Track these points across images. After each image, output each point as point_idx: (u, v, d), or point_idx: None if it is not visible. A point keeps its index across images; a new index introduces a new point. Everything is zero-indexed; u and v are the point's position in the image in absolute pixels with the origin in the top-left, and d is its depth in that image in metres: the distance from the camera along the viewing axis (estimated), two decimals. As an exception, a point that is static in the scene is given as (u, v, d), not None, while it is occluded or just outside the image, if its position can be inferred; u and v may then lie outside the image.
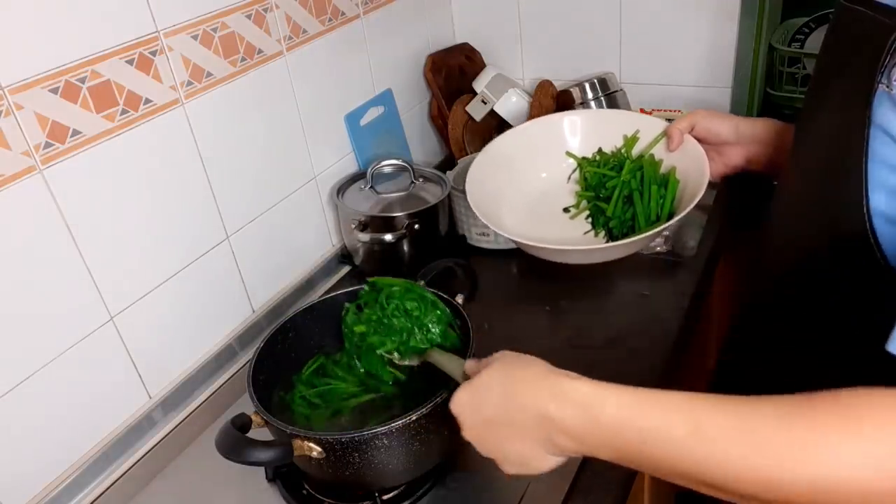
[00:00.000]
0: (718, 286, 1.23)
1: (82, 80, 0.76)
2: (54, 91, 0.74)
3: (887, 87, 0.52)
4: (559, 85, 1.36)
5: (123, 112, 0.81)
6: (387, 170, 1.15)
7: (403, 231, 1.07)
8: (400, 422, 0.67)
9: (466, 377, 0.65)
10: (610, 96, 1.29)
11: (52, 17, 0.73)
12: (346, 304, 0.86)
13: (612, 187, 1.01)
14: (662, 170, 1.01)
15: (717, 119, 0.94)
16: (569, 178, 1.09)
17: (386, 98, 1.28)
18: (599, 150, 1.09)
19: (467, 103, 1.37)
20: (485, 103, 1.35)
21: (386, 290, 0.83)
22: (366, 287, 0.85)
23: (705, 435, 0.48)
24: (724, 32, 1.24)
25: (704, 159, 0.94)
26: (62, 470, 0.82)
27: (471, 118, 1.37)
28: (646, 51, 1.33)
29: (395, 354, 0.81)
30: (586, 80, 1.30)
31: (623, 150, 1.07)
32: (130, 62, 0.81)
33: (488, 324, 0.95)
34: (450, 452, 0.78)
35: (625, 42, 1.34)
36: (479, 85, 1.37)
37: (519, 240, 0.93)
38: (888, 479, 0.42)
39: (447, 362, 0.72)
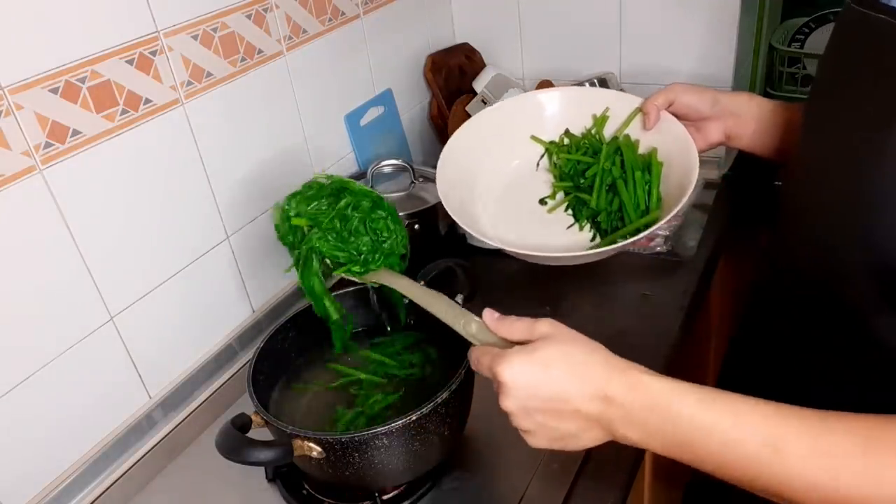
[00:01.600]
0: (718, 286, 1.23)
1: (82, 80, 0.76)
2: (54, 91, 0.74)
3: None
4: (559, 85, 1.36)
5: (123, 112, 0.81)
6: (387, 170, 1.15)
7: (403, 231, 1.07)
8: (400, 422, 0.67)
9: (474, 335, 0.64)
10: (610, 96, 1.29)
11: (52, 17, 0.73)
12: (282, 202, 0.76)
13: (592, 176, 0.93)
14: (641, 150, 0.93)
15: (697, 93, 0.89)
16: (537, 165, 1.00)
17: (386, 98, 1.28)
18: (567, 132, 0.99)
19: (467, 103, 1.37)
20: (485, 103, 1.35)
21: (350, 197, 0.74)
22: (319, 180, 0.75)
23: (781, 453, 0.49)
24: (724, 32, 1.24)
25: (689, 139, 0.87)
26: (62, 470, 0.82)
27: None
28: (646, 51, 1.33)
29: (342, 269, 0.75)
30: (586, 80, 1.30)
31: (594, 131, 0.97)
32: (130, 62, 0.81)
33: (488, 324, 0.95)
34: (450, 452, 0.78)
35: (625, 42, 1.34)
36: (479, 85, 1.37)
37: (507, 248, 0.86)
38: None
39: (433, 301, 0.69)
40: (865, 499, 0.47)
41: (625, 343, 0.93)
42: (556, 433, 0.58)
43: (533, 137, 1.00)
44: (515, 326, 0.61)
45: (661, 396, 0.53)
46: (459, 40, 1.47)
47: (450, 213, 0.87)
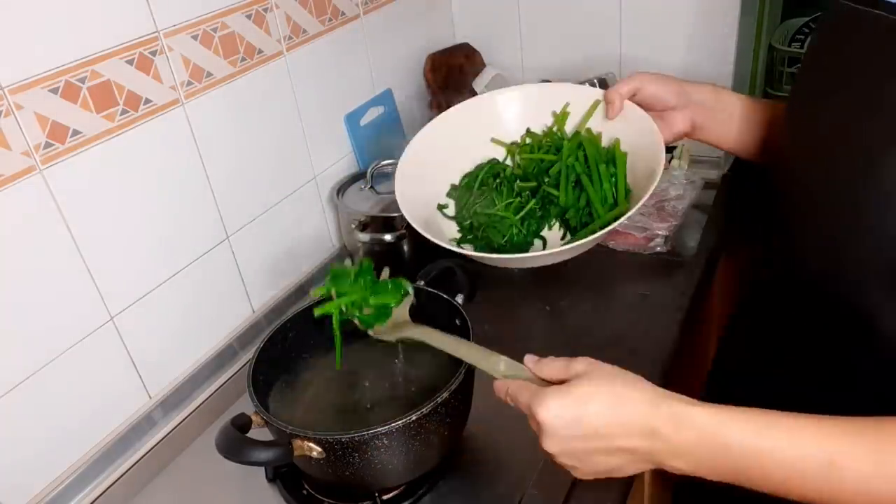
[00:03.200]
0: (718, 286, 1.23)
1: (82, 80, 0.76)
2: (54, 91, 0.74)
3: None
4: (559, 85, 1.36)
5: (123, 112, 0.81)
6: (387, 170, 1.15)
7: (403, 231, 1.07)
8: (400, 422, 0.67)
9: (503, 373, 0.63)
10: (610, 96, 1.29)
11: (52, 17, 0.73)
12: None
13: (556, 173, 0.90)
14: (604, 143, 0.91)
15: (663, 82, 0.87)
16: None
17: (386, 98, 1.28)
18: (528, 132, 0.96)
19: (467, 103, 1.37)
20: (485, 103, 1.35)
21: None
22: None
23: (842, 470, 0.48)
24: (724, 33, 1.24)
25: (652, 124, 0.84)
26: (62, 470, 0.82)
27: (471, 118, 1.37)
28: (645, 51, 1.33)
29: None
30: (586, 81, 1.29)
31: (555, 128, 0.94)
32: (130, 62, 0.81)
33: (488, 324, 0.95)
34: (450, 452, 0.78)
35: (625, 42, 1.34)
36: (479, 85, 1.37)
37: (470, 253, 0.84)
38: None
39: (459, 346, 0.69)
40: None
41: (624, 344, 0.94)
42: (601, 466, 0.57)
43: (494, 140, 0.97)
44: (552, 366, 0.60)
45: (708, 428, 0.53)
46: (459, 40, 1.47)
47: (417, 228, 0.84)
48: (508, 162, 0.97)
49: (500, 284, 1.11)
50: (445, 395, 0.69)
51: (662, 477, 1.06)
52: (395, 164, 1.14)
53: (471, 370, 0.74)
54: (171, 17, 0.85)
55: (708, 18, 1.25)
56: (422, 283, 0.87)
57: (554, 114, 0.95)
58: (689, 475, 0.54)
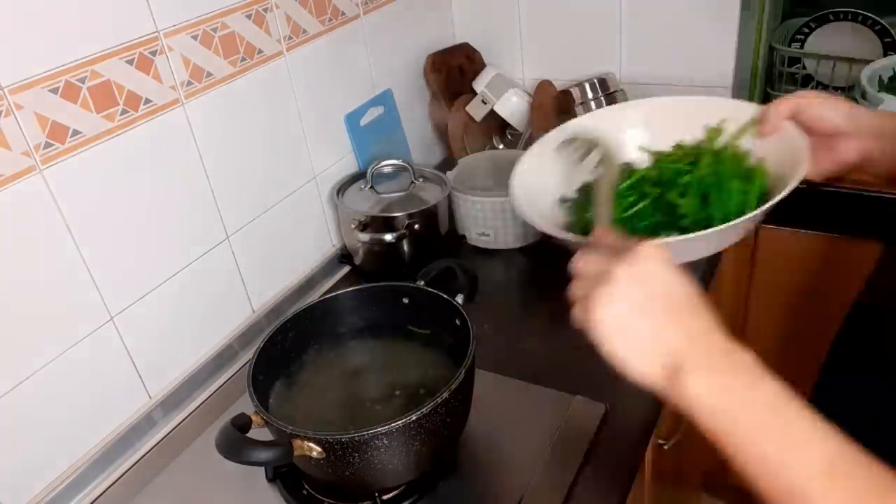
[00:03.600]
0: (718, 286, 1.22)
1: (82, 80, 0.76)
2: (54, 91, 0.74)
3: None
4: (559, 85, 1.36)
5: (123, 112, 0.81)
6: (387, 170, 1.15)
7: (403, 231, 1.07)
8: (400, 422, 0.67)
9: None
10: (610, 96, 1.29)
11: (52, 17, 0.73)
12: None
13: (684, 184, 0.86)
14: (752, 162, 0.86)
15: (831, 104, 0.76)
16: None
17: (386, 98, 1.28)
18: (678, 145, 0.93)
19: (467, 103, 1.37)
20: (485, 103, 1.35)
21: None
22: None
23: (834, 478, 0.46)
24: (724, 32, 1.24)
25: (803, 149, 0.77)
26: (62, 470, 0.82)
27: (471, 118, 1.38)
28: (645, 51, 1.33)
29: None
30: (586, 81, 1.30)
31: (705, 143, 0.91)
32: (130, 62, 0.81)
33: (488, 324, 0.95)
34: (450, 452, 0.79)
35: (625, 42, 1.34)
36: (479, 85, 1.37)
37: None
38: None
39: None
40: None
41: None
42: (636, 325, 0.53)
43: (641, 148, 0.95)
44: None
45: (755, 367, 0.50)
46: (459, 40, 1.47)
47: (525, 216, 0.82)
48: (642, 168, 0.95)
49: (500, 284, 1.11)
50: (445, 395, 0.69)
51: (669, 479, 1.06)
52: (395, 165, 1.15)
53: (471, 370, 0.74)
54: (171, 17, 0.85)
55: (708, 19, 1.25)
56: (422, 283, 0.87)
57: (706, 127, 0.92)
58: (690, 412, 0.51)
